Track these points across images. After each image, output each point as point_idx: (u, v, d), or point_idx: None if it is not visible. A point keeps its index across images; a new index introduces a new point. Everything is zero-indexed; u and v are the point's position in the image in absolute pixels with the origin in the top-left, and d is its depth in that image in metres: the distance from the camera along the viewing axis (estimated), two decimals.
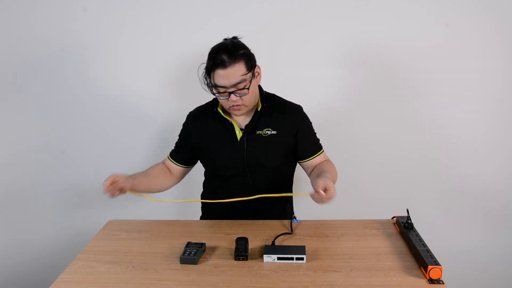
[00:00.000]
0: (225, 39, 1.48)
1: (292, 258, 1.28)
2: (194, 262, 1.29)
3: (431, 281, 1.17)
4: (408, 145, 2.10)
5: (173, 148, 1.69)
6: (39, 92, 2.09)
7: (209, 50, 1.44)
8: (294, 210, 1.73)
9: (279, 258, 1.29)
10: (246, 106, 1.49)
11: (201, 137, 1.61)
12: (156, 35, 2.02)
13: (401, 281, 1.19)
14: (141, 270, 1.27)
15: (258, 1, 1.96)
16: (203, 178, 1.74)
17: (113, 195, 1.45)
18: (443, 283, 1.16)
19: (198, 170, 1.71)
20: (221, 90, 1.44)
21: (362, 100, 2.05)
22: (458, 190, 2.15)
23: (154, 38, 2.02)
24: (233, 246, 1.34)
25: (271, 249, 1.33)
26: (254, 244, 1.40)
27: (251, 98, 1.48)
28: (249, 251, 1.34)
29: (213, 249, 1.38)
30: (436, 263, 1.19)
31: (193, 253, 1.30)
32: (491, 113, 2.06)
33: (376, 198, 2.07)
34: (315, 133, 1.64)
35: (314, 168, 1.59)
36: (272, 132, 1.55)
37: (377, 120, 2.07)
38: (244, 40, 1.48)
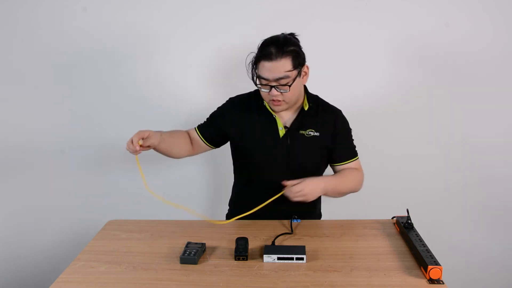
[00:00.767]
0: (282, 34, 1.47)
1: (292, 258, 1.28)
2: (194, 262, 1.29)
3: (431, 281, 1.17)
4: (408, 145, 2.11)
5: (201, 122, 1.68)
6: (39, 92, 2.09)
7: (261, 41, 1.45)
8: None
9: (279, 258, 1.29)
10: (287, 103, 1.49)
11: (240, 126, 1.60)
12: (156, 35, 2.02)
13: (401, 281, 1.19)
14: (141, 270, 1.27)
15: (258, 1, 1.96)
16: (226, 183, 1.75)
17: (136, 151, 1.41)
18: (443, 283, 1.16)
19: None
20: (264, 82, 1.44)
21: (362, 100, 2.05)
22: (458, 190, 2.15)
23: (154, 38, 2.02)
24: (233, 246, 1.34)
25: (271, 249, 1.33)
26: (254, 244, 1.40)
27: (292, 95, 1.47)
28: (249, 251, 1.34)
29: (213, 249, 1.38)
30: (436, 263, 1.19)
31: (193, 253, 1.30)
32: (490, 113, 2.06)
33: (376, 198, 2.07)
34: (353, 140, 1.64)
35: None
36: (314, 133, 1.56)
37: (377, 120, 2.07)
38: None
